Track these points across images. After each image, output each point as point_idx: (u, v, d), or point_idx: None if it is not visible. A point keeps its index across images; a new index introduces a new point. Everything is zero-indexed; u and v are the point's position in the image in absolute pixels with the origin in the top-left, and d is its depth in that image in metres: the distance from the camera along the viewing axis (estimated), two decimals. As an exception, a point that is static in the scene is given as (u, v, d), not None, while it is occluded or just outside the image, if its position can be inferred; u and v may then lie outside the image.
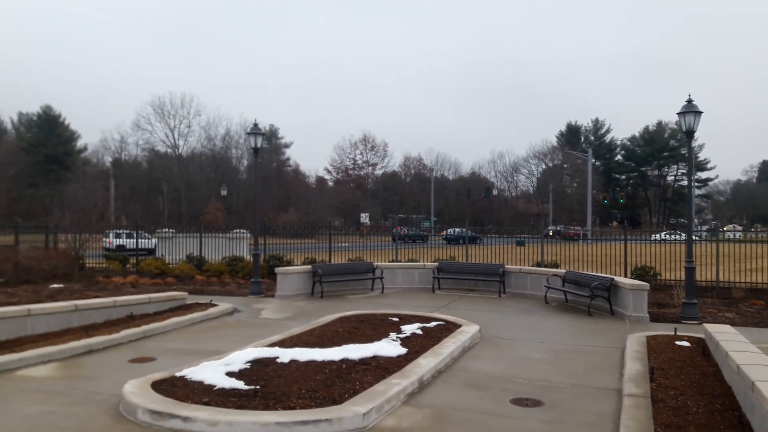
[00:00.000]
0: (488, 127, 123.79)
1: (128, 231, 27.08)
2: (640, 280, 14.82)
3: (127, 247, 25.67)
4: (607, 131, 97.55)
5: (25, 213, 21.78)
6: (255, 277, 16.59)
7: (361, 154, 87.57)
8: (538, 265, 18.73)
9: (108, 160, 73.63)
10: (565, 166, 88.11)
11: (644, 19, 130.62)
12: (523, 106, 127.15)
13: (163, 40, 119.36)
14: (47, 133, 69.39)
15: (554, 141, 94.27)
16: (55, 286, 15.73)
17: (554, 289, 14.91)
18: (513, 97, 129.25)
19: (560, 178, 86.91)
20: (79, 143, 74.14)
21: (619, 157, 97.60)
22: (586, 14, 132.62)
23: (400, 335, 9.78)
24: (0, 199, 14.71)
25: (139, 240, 25.45)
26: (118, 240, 27.13)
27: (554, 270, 16.40)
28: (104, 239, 26.01)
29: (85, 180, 24.20)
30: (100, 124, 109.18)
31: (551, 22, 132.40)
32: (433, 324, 10.81)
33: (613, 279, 13.51)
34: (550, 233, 43.10)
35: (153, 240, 27.95)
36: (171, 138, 73.04)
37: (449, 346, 9.12)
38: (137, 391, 6.62)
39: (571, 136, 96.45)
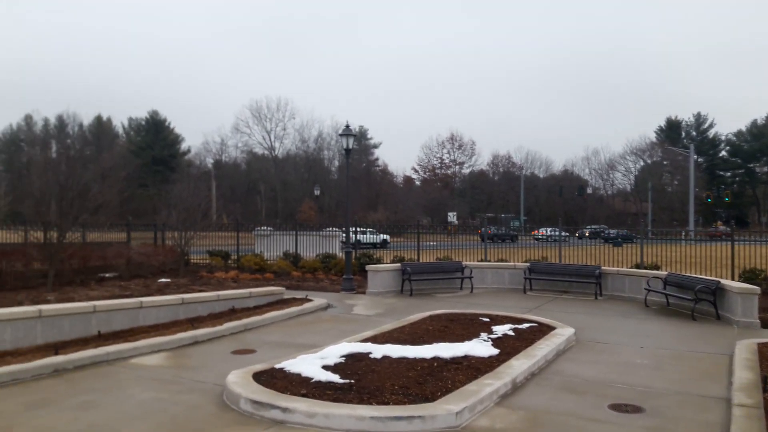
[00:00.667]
0: (581, 124, 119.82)
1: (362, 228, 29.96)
2: (749, 283, 13.86)
3: (362, 241, 29.00)
4: (710, 126, 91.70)
5: (135, 212, 23.40)
6: (347, 274, 16.97)
7: (449, 152, 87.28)
8: (637, 266, 17.95)
9: (209, 161, 77.76)
10: (664, 163, 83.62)
11: (746, 6, 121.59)
12: (619, 102, 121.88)
13: (261, 47, 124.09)
14: (154, 137, 74.18)
15: (653, 137, 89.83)
16: (163, 280, 16.76)
17: (655, 292, 14.23)
18: (607, 92, 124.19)
19: (660, 176, 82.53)
20: (183, 146, 78.97)
21: (723, 153, 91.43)
22: (680, 2, 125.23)
23: (491, 336, 9.70)
24: (113, 199, 15.95)
25: (369, 235, 31.37)
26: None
27: (655, 272, 15.64)
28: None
29: (189, 180, 25.60)
30: (202, 128, 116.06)
31: (643, 13, 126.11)
32: (525, 325, 10.63)
33: (719, 282, 12.73)
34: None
35: (381, 235, 31.08)
36: (268, 140, 76.33)
37: (543, 348, 8.95)
38: (240, 381, 6.97)
39: (671, 131, 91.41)
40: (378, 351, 8.27)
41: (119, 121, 79.08)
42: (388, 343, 8.95)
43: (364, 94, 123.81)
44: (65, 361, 8.31)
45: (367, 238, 32.18)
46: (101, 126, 76.20)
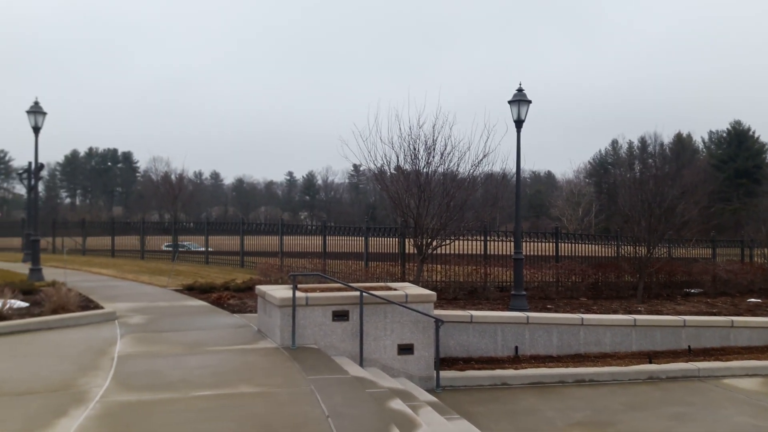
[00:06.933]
0: None
1: None
2: None
3: None
4: None
5: (717, 227, 22.48)
6: None
7: None
8: None
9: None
10: None
11: None
12: None
13: None
14: (736, 148, 70.07)
15: None
16: (752, 300, 15.60)
17: None
18: None
19: None
20: (771, 155, 71.36)
21: None
22: None
23: None
24: (696, 214, 15.74)
25: None
26: None
27: None
28: None
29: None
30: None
31: None
32: None
33: None
34: None
35: None
36: None
37: None
38: None
39: None
40: None
41: (699, 136, 78.41)
42: None
43: None
44: (658, 371, 8.88)
45: None
46: (681, 143, 76.48)
